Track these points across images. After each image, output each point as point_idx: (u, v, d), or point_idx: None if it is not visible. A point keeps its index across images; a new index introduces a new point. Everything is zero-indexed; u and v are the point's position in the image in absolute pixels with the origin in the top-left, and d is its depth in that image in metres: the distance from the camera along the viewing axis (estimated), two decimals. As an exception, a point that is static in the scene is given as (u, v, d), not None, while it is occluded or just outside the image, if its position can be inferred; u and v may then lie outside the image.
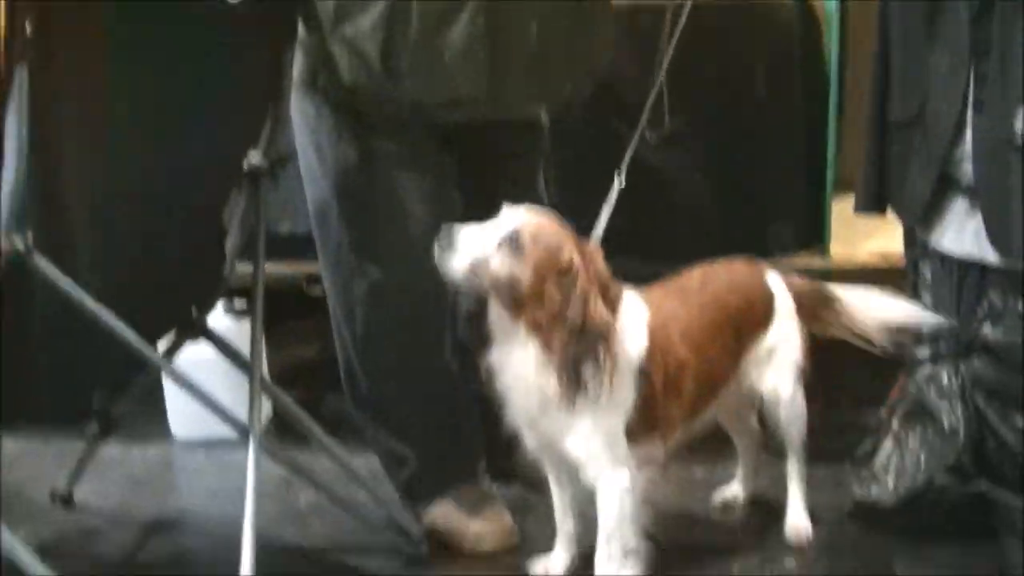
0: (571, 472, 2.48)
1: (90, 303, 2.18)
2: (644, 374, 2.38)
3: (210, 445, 3.31)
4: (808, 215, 3.32)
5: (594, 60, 2.72)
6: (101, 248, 2.25)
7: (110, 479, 3.19)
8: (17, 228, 1.99)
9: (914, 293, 2.84)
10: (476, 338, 2.37)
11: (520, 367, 2.33)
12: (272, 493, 3.02)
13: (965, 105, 2.61)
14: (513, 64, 2.49)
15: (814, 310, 2.72)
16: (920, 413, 2.76)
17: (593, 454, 2.38)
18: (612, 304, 2.32)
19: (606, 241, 2.48)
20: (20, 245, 1.98)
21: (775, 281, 2.68)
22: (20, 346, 2.14)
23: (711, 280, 2.59)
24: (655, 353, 2.39)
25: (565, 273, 2.25)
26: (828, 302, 2.73)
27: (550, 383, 2.29)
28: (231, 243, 2.72)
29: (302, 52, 2.57)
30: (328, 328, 2.88)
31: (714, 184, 3.28)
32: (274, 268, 3.51)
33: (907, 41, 2.76)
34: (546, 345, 2.27)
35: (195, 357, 3.02)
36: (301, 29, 2.53)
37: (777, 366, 2.67)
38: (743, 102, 3.29)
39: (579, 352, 2.24)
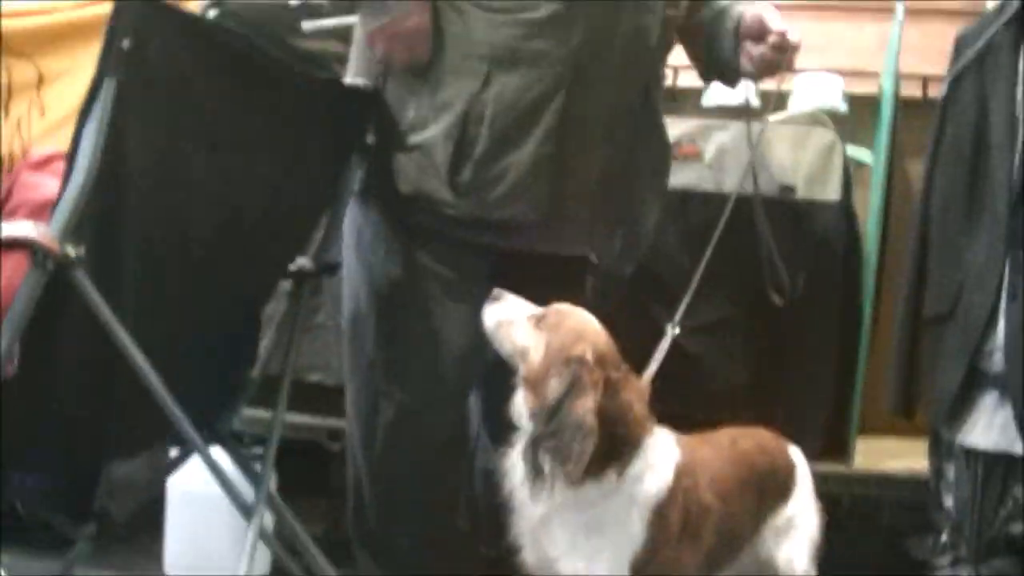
0: None
1: (130, 344, 2.12)
2: (660, 513, 2.29)
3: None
4: (835, 421, 3.32)
5: (648, 215, 2.76)
6: (143, 302, 2.20)
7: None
8: (71, 237, 1.94)
9: (936, 499, 2.82)
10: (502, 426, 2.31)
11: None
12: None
13: (999, 296, 2.67)
14: (573, 196, 2.53)
15: None
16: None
17: None
18: (630, 429, 2.24)
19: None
20: (71, 253, 1.94)
21: (797, 455, 2.66)
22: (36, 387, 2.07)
23: (741, 439, 2.56)
24: (677, 494, 2.31)
25: (570, 362, 2.19)
26: None
27: (559, 491, 2.20)
28: (265, 346, 2.74)
29: (365, 159, 2.64)
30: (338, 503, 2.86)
31: (747, 378, 3.29)
32: (297, 418, 3.55)
33: (945, 236, 2.85)
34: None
35: (199, 491, 3.02)
36: (369, 136, 2.60)
37: (794, 539, 2.59)
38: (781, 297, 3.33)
39: (546, 439, 2.16)
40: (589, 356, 2.19)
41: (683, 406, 3.27)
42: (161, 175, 2.13)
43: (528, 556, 2.34)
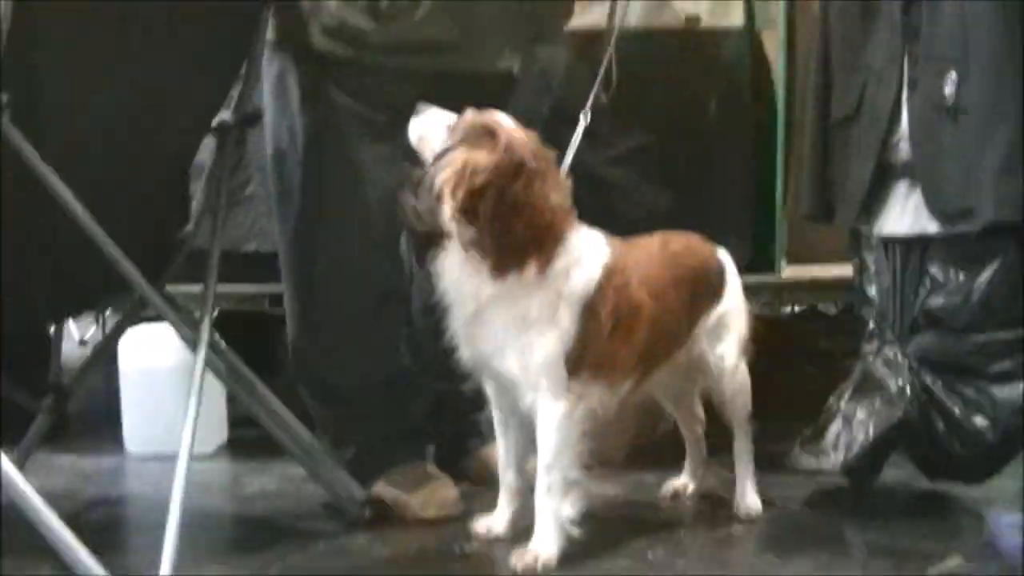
0: (513, 405, 2.48)
1: (63, 191, 2.20)
2: (590, 309, 2.39)
3: (164, 459, 3.27)
4: (760, 234, 3.43)
5: (560, 19, 2.85)
6: (71, 158, 2.26)
7: (58, 484, 3.12)
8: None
9: (860, 290, 2.95)
10: (427, 234, 2.35)
11: (457, 270, 2.35)
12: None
13: (900, 89, 2.79)
14: (487, 13, 2.61)
15: None
16: (868, 389, 2.83)
17: (530, 375, 2.37)
18: (548, 219, 2.33)
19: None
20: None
21: (726, 256, 2.77)
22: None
23: (672, 244, 2.67)
24: (607, 291, 2.41)
25: (515, 160, 2.28)
26: None
27: (486, 287, 2.32)
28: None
29: (274, 12, 2.67)
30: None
31: (667, 202, 3.39)
32: (238, 288, 3.61)
33: (845, 40, 2.95)
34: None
35: (152, 366, 3.08)
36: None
37: (724, 336, 2.72)
38: (696, 123, 3.44)
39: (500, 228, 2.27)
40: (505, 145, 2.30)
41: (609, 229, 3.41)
42: (72, 38, 2.19)
43: (464, 353, 2.45)
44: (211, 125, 2.70)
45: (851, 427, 2.81)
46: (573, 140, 2.71)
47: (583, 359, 2.39)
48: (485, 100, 2.47)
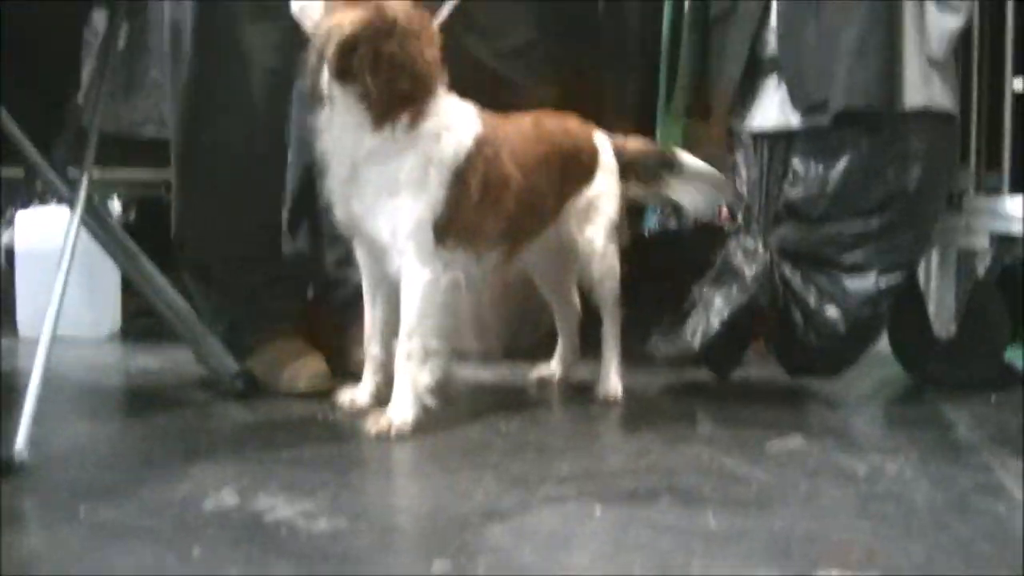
0: (382, 274, 2.54)
1: None
2: (459, 176, 2.45)
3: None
4: (642, 129, 3.48)
5: None
6: None
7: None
8: None
9: (733, 188, 3.01)
10: (313, 95, 2.40)
11: (338, 128, 2.42)
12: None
13: (771, -14, 2.86)
14: None
15: (645, 173, 2.87)
16: (726, 277, 2.91)
17: (398, 239, 2.43)
18: (419, 73, 2.41)
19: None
20: None
21: (602, 140, 2.82)
22: None
23: (545, 122, 2.72)
24: (476, 160, 2.47)
25: (392, 20, 2.35)
26: (665, 166, 2.87)
27: (363, 142, 2.40)
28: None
29: None
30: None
31: (555, 97, 3.42)
32: (135, 174, 3.64)
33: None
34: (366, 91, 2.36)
35: (46, 248, 3.10)
36: None
37: (595, 219, 2.78)
38: (585, 21, 3.47)
39: (384, 83, 2.35)
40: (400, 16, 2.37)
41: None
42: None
43: (338, 213, 2.51)
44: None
45: (708, 314, 2.89)
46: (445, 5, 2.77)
47: (450, 226, 2.46)
48: None
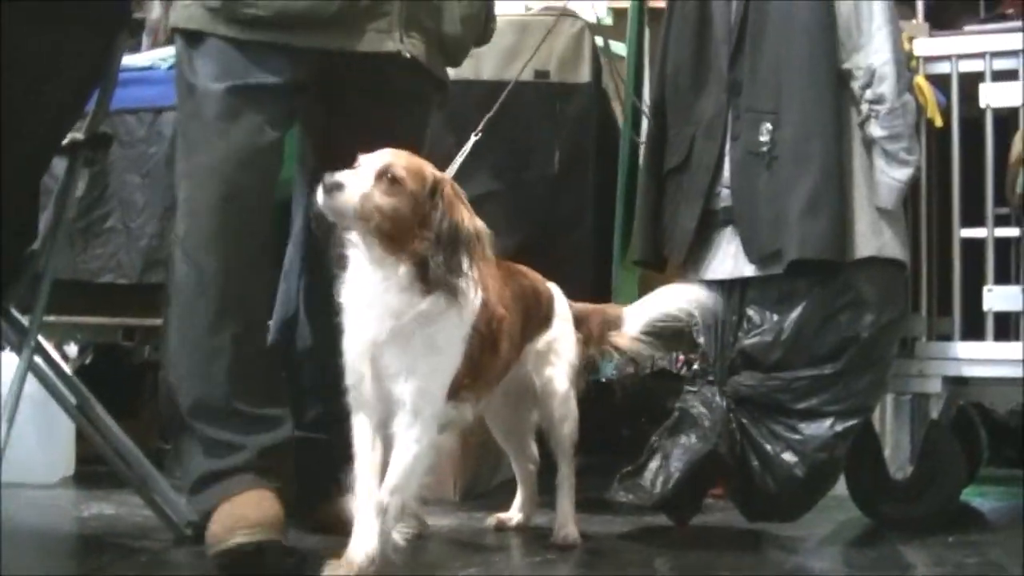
0: (384, 425, 2.43)
1: None
2: (476, 329, 2.46)
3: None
4: (598, 281, 3.55)
5: (451, 15, 2.80)
6: None
7: None
8: None
9: (692, 337, 3.06)
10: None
11: (383, 292, 2.35)
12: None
13: (724, 141, 2.95)
14: None
15: (595, 330, 2.90)
16: (684, 423, 2.94)
17: (417, 400, 2.37)
18: (469, 247, 2.36)
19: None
20: None
21: (555, 289, 2.88)
22: None
23: (508, 268, 2.76)
24: (485, 309, 2.49)
25: (434, 191, 2.35)
26: (610, 323, 2.91)
27: (411, 305, 2.33)
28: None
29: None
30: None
31: (511, 248, 3.48)
32: (92, 320, 3.65)
33: (678, 95, 3.12)
34: (418, 259, 2.31)
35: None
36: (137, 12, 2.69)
37: (554, 362, 2.81)
38: (542, 173, 3.56)
39: (448, 254, 2.31)
40: (440, 176, 2.41)
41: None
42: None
43: (358, 370, 2.41)
44: (62, 142, 2.73)
45: (668, 463, 2.91)
46: (461, 153, 2.85)
47: (465, 379, 2.47)
48: (368, 82, 2.66)
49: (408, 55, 2.68)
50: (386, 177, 2.32)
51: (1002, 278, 3.11)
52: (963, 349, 3.07)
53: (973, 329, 3.13)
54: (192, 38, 2.64)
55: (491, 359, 2.55)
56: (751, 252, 2.89)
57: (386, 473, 2.39)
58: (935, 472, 3.07)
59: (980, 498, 3.59)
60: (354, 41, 2.64)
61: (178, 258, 2.66)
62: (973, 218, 3.14)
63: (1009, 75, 3.09)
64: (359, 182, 2.31)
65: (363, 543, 2.36)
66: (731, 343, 2.95)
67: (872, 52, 2.84)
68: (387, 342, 2.36)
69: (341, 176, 2.30)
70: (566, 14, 3.60)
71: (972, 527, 3.13)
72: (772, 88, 2.88)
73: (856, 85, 2.86)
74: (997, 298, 3.07)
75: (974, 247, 3.14)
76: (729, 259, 2.95)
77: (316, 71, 2.67)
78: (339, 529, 2.58)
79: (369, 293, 2.37)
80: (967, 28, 3.24)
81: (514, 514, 3.01)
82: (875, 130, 2.84)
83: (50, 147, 2.76)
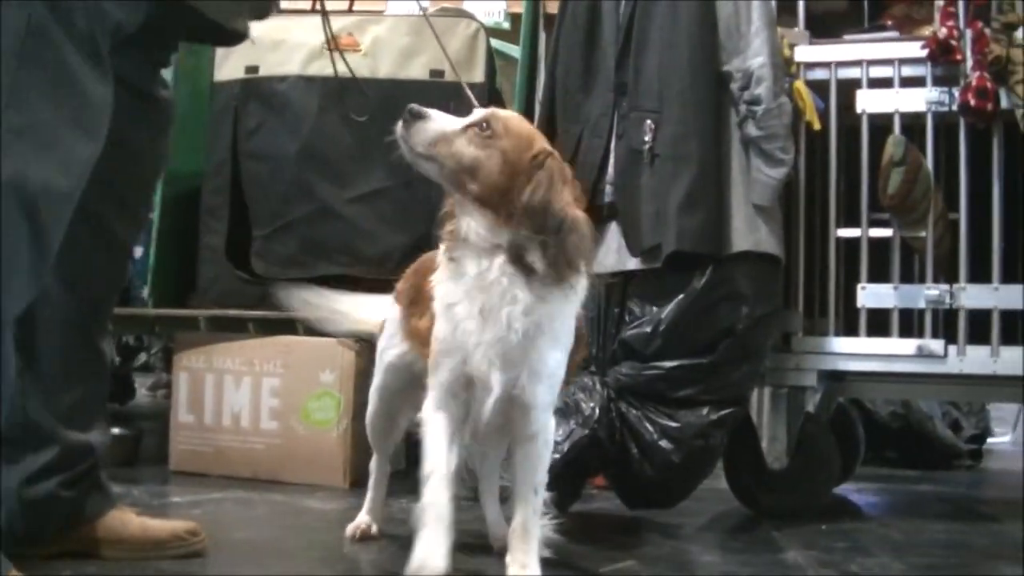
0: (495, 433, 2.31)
1: None
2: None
3: None
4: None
5: None
6: None
7: None
8: None
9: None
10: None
11: (505, 282, 2.12)
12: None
13: (610, 139, 3.05)
14: None
15: None
16: (566, 411, 2.99)
17: (546, 398, 2.22)
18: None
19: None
20: None
21: None
22: None
23: None
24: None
25: (539, 165, 2.13)
26: None
27: (543, 297, 2.13)
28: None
29: None
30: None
31: (403, 243, 3.52)
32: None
33: (567, 95, 3.22)
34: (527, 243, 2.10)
35: None
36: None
37: None
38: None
39: (544, 239, 2.09)
40: (550, 151, 2.18)
41: (348, 266, 3.59)
42: None
43: (483, 370, 2.17)
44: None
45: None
46: None
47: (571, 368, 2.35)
48: None
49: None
50: (480, 126, 2.13)
51: (876, 277, 3.23)
52: (837, 344, 3.19)
53: (851, 326, 3.26)
54: None
55: (579, 349, 2.39)
56: (633, 246, 2.99)
57: (520, 470, 2.26)
58: (810, 464, 3.20)
59: (857, 493, 3.71)
60: None
61: None
62: (849, 219, 3.28)
63: (884, 83, 3.23)
64: (447, 120, 2.13)
65: (527, 556, 2.22)
66: (612, 335, 3.04)
67: (750, 55, 2.96)
68: (502, 339, 2.14)
69: (431, 110, 2.13)
70: (463, 15, 3.69)
71: (845, 517, 3.24)
72: (655, 89, 2.98)
73: (735, 87, 2.98)
74: (870, 296, 3.19)
75: (851, 247, 3.28)
76: (612, 253, 3.05)
77: None
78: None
79: (491, 284, 2.14)
80: (846, 36, 3.37)
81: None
82: (752, 130, 2.96)
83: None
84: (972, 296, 3.11)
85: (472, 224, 2.14)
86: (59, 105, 1.98)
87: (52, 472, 2.34)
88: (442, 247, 2.23)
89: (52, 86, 1.96)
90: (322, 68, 3.65)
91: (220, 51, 3.80)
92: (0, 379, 1.96)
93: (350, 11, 3.89)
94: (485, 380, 2.16)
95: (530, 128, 2.21)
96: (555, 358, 2.20)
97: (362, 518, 2.75)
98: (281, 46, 3.75)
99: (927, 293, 3.15)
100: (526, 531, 2.22)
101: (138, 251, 4.05)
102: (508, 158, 2.11)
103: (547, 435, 2.25)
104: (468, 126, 2.13)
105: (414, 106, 2.11)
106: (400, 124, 2.11)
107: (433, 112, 2.12)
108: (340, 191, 3.61)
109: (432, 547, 2.12)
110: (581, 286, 2.19)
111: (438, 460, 2.19)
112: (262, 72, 3.76)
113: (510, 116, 2.20)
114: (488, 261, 2.13)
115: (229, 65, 3.82)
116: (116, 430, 3.86)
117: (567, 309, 2.19)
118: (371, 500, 2.77)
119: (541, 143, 2.18)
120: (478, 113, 2.16)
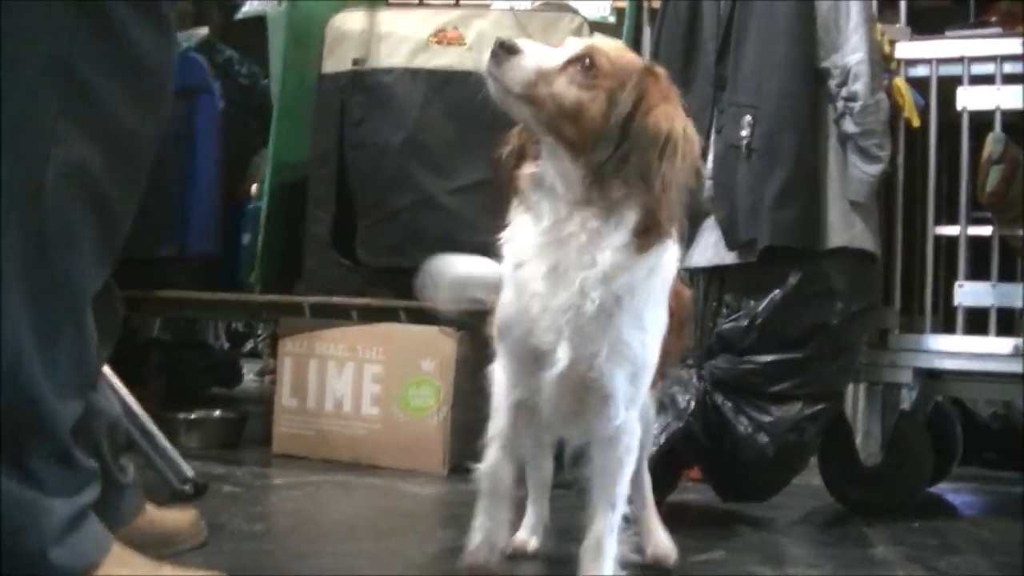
0: (569, 431, 2.11)
1: None
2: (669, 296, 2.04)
3: None
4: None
5: None
6: None
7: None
8: None
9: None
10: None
11: (584, 242, 1.86)
12: None
13: (709, 133, 3.08)
14: None
15: None
16: (663, 407, 3.04)
17: (633, 386, 1.96)
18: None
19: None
20: None
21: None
22: None
23: None
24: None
25: (637, 83, 1.87)
26: None
27: (624, 264, 1.86)
28: None
29: None
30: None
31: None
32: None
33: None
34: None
35: None
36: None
37: None
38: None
39: (624, 159, 1.83)
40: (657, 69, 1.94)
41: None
42: None
43: (548, 348, 1.92)
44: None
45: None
46: None
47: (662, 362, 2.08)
48: None
49: None
50: (582, 63, 1.85)
51: (974, 275, 3.21)
52: (933, 342, 3.19)
53: (949, 325, 3.26)
54: None
55: (675, 339, 2.17)
56: (730, 241, 3.01)
57: (597, 479, 2.01)
58: (903, 461, 3.20)
59: (953, 493, 3.70)
60: None
61: None
62: (948, 216, 3.27)
63: (986, 79, 3.21)
64: (544, 55, 1.85)
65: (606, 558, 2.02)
66: (710, 328, 3.07)
67: (848, 51, 2.96)
68: (577, 314, 1.88)
69: (523, 42, 1.85)
70: (566, 9, 3.73)
71: (938, 515, 3.24)
72: (753, 84, 3.00)
73: (832, 83, 2.98)
74: (968, 294, 3.19)
75: (949, 244, 3.27)
76: (710, 248, 3.07)
77: None
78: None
79: (557, 232, 1.89)
80: (947, 33, 3.35)
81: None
82: (849, 126, 2.96)
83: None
84: (1071, 295, 3.08)
85: (560, 170, 1.88)
86: (112, 74, 1.74)
87: None
88: (514, 200, 1.99)
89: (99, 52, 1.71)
90: (427, 61, 3.74)
91: (328, 44, 3.88)
92: (86, 359, 1.83)
93: (456, 5, 3.96)
94: (551, 353, 1.89)
95: (636, 61, 1.93)
96: (639, 340, 1.91)
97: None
98: (388, 39, 3.82)
99: (1027, 292, 3.13)
100: (599, 550, 2.00)
101: (245, 238, 4.18)
102: (612, 99, 1.85)
103: (630, 440, 2.00)
104: (569, 62, 1.86)
105: (506, 39, 1.85)
106: (489, 59, 1.84)
107: (527, 44, 1.85)
108: (442, 182, 3.67)
109: (485, 523, 2.04)
110: (670, 255, 1.94)
111: (499, 426, 2.02)
112: (369, 64, 3.84)
113: (613, 48, 1.92)
114: (568, 210, 1.87)
115: (336, 57, 3.89)
116: (220, 412, 4.03)
117: (653, 283, 1.91)
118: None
119: (641, 65, 1.92)
120: (574, 44, 1.90)
